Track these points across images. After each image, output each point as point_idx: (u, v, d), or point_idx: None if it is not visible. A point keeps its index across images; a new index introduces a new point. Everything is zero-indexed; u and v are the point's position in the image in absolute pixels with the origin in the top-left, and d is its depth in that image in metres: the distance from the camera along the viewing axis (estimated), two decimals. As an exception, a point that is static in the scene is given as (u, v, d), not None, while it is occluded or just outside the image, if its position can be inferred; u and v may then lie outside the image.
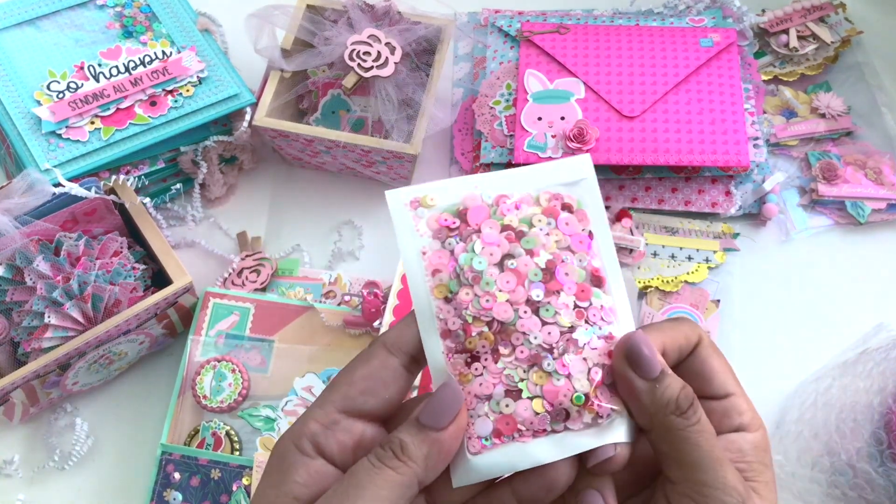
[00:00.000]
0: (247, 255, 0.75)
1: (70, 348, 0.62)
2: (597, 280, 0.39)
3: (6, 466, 0.67)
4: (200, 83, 0.73)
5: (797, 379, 0.69)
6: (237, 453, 0.66)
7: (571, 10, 0.86)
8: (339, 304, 0.72)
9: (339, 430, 0.36)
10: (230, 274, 0.74)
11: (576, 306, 0.38)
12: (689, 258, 0.74)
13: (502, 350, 0.37)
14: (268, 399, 0.68)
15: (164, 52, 0.74)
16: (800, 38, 0.84)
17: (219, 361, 0.68)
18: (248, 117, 0.73)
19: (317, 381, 0.68)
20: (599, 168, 0.75)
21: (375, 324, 0.69)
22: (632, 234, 0.74)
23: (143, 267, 0.67)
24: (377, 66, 0.73)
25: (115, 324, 0.63)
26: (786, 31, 0.84)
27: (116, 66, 0.72)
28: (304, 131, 0.72)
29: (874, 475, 0.59)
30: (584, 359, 0.37)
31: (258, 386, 0.68)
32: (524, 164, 0.72)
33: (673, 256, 0.74)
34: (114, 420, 0.69)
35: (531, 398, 0.36)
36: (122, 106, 0.71)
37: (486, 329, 0.37)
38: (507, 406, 0.36)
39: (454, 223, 0.38)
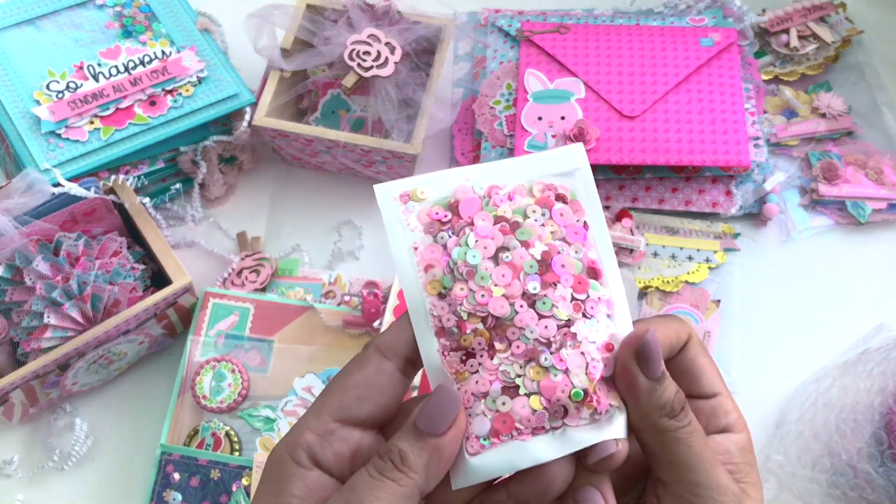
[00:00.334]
0: (246, 255, 0.75)
1: (69, 348, 0.62)
2: (593, 272, 0.38)
3: (6, 467, 0.67)
4: (200, 83, 0.73)
5: (798, 379, 0.69)
6: (237, 454, 0.66)
7: (571, 10, 0.86)
8: (338, 305, 0.72)
9: (335, 439, 0.36)
10: (230, 274, 0.74)
11: (573, 298, 0.37)
12: (690, 258, 0.74)
13: (498, 345, 0.36)
14: (267, 399, 0.68)
15: (163, 52, 0.73)
16: (800, 37, 0.84)
17: (218, 361, 0.68)
18: (247, 117, 0.73)
19: (316, 381, 0.68)
20: (599, 168, 0.75)
21: (375, 324, 0.69)
22: (632, 234, 0.74)
23: (142, 267, 0.67)
24: (377, 66, 0.73)
25: (114, 324, 0.63)
26: (786, 31, 0.84)
27: (116, 66, 0.72)
28: (304, 131, 0.72)
29: (874, 475, 0.59)
30: (583, 353, 0.36)
31: (258, 386, 0.68)
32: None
33: (673, 256, 0.74)
34: (113, 420, 0.69)
35: (528, 395, 0.35)
36: (122, 106, 0.71)
37: (480, 326, 0.36)
38: (503, 404, 0.35)
39: (446, 216, 0.37)
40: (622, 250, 0.74)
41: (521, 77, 0.77)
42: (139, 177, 0.72)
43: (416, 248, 0.37)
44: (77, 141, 0.69)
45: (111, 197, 0.67)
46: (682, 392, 0.36)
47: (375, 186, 0.38)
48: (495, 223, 0.37)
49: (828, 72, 0.84)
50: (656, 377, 0.35)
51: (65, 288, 0.62)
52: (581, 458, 0.36)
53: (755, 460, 0.38)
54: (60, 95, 0.70)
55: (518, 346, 0.36)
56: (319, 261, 0.76)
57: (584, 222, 0.38)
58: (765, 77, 0.82)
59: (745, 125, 0.74)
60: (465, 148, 0.80)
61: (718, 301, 0.73)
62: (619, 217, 0.75)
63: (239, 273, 0.74)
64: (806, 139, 0.80)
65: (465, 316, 0.36)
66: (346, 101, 0.79)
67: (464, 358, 0.36)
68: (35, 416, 0.69)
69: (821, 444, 0.63)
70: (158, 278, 0.68)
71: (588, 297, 0.37)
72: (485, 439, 0.35)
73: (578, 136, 0.73)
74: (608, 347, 0.37)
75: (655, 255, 0.74)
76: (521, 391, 0.35)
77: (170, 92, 0.72)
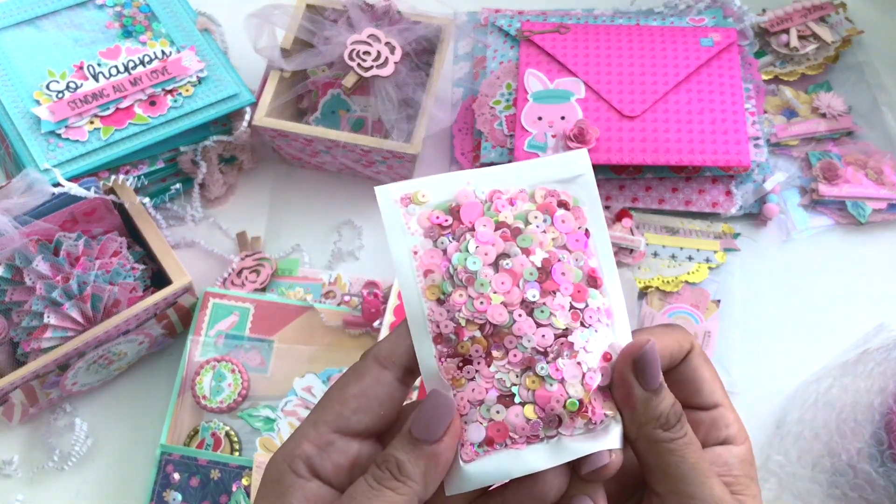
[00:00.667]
0: (246, 255, 0.75)
1: (69, 348, 0.62)
2: (593, 280, 0.37)
3: (5, 467, 0.67)
4: (200, 83, 0.73)
5: (798, 379, 0.69)
6: (237, 454, 0.66)
7: (571, 10, 0.86)
8: (338, 305, 0.72)
9: (334, 451, 0.36)
10: (230, 274, 0.74)
11: (571, 307, 0.36)
12: (690, 258, 0.74)
13: (495, 353, 0.36)
14: (267, 399, 0.68)
15: (163, 52, 0.73)
16: (800, 37, 0.84)
17: (218, 362, 0.68)
18: (247, 117, 0.73)
19: (316, 381, 0.68)
20: (600, 168, 0.75)
21: (375, 324, 0.69)
22: (632, 234, 0.74)
23: (142, 267, 0.67)
24: (377, 66, 0.73)
25: (114, 324, 0.63)
26: (786, 31, 0.84)
27: (116, 66, 0.72)
28: (304, 131, 0.72)
29: (875, 475, 0.59)
30: (579, 363, 0.36)
31: (258, 386, 0.68)
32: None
33: (673, 256, 0.74)
34: (113, 420, 0.69)
35: (523, 404, 0.35)
36: (122, 106, 0.71)
37: (478, 334, 0.36)
38: (497, 412, 0.35)
39: (446, 221, 0.37)
40: (622, 250, 0.74)
41: (521, 77, 0.77)
42: (139, 177, 0.72)
43: (415, 253, 0.37)
44: (77, 141, 0.69)
45: (111, 197, 0.67)
46: (679, 404, 0.36)
47: (376, 188, 0.37)
48: (496, 229, 0.37)
49: (828, 72, 0.84)
50: (653, 388, 0.35)
51: (65, 288, 0.62)
52: (575, 468, 0.36)
53: (755, 473, 0.38)
54: (60, 95, 0.70)
55: (515, 355, 0.36)
56: (319, 261, 0.76)
57: (586, 230, 0.38)
58: (765, 77, 0.82)
59: (745, 125, 0.74)
60: (465, 148, 0.80)
61: (718, 301, 0.73)
62: (619, 217, 0.75)
63: (239, 273, 0.74)
64: (806, 139, 0.80)
65: (462, 323, 0.36)
66: (346, 101, 0.79)
67: (460, 364, 0.36)
68: (35, 416, 0.69)
69: (821, 444, 0.63)
70: (158, 278, 0.68)
71: (587, 305, 0.37)
72: (479, 446, 0.35)
73: (578, 136, 0.73)
74: (606, 357, 0.37)
75: (655, 255, 0.74)
76: (517, 400, 0.35)
77: (170, 92, 0.72)
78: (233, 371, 0.68)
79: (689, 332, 0.39)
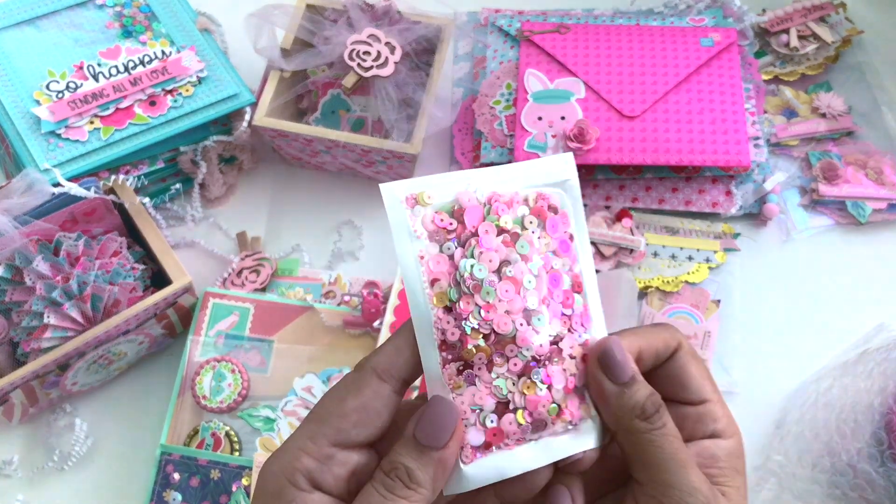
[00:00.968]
0: (246, 255, 0.75)
1: (69, 348, 0.62)
2: (578, 286, 0.39)
3: (5, 467, 0.67)
4: (200, 83, 0.73)
5: (798, 379, 0.69)
6: (237, 454, 0.66)
7: (572, 10, 0.86)
8: (338, 305, 0.72)
9: (334, 463, 0.36)
10: (230, 274, 0.74)
11: (562, 314, 0.38)
12: (690, 258, 0.74)
13: (497, 360, 0.36)
14: (267, 399, 0.68)
15: (163, 52, 0.73)
16: (800, 37, 0.84)
17: (218, 362, 0.68)
18: (247, 117, 0.73)
19: (316, 381, 0.68)
20: (599, 168, 0.75)
21: (375, 324, 0.69)
22: (632, 234, 0.74)
23: (142, 267, 0.67)
24: (377, 66, 0.73)
25: (114, 324, 0.63)
26: (786, 31, 0.84)
27: (116, 66, 0.72)
28: (304, 131, 0.72)
29: (875, 476, 0.59)
30: (564, 369, 0.37)
31: (258, 386, 0.68)
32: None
33: (673, 256, 0.74)
34: (113, 420, 0.69)
35: (515, 410, 0.36)
36: (122, 106, 0.71)
37: (482, 342, 0.36)
38: (492, 420, 0.36)
39: (451, 224, 0.37)
40: (622, 250, 0.74)
41: (521, 77, 0.77)
42: (139, 177, 0.72)
43: (422, 258, 0.37)
44: (77, 141, 0.69)
45: (111, 197, 0.67)
46: (658, 395, 0.37)
47: (382, 186, 0.37)
48: (498, 234, 0.37)
49: (828, 72, 0.84)
50: (623, 381, 0.37)
51: (65, 288, 0.62)
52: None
53: (744, 467, 0.39)
54: (60, 95, 0.70)
55: (515, 364, 0.37)
56: (319, 261, 0.76)
57: (571, 234, 0.39)
58: (765, 77, 0.82)
59: (745, 125, 0.74)
60: (465, 148, 0.80)
61: (718, 301, 0.73)
62: (619, 217, 0.75)
63: (239, 273, 0.74)
64: (806, 139, 0.80)
65: (468, 331, 0.36)
66: (346, 101, 0.79)
67: (461, 368, 0.37)
68: (35, 416, 0.69)
69: (821, 444, 0.63)
70: (158, 278, 0.68)
71: (573, 311, 0.38)
72: (478, 449, 0.36)
73: (578, 136, 0.73)
74: (584, 359, 0.38)
75: (655, 255, 0.74)
76: (511, 405, 0.37)
77: (170, 92, 0.72)
78: (233, 371, 0.68)
79: (678, 331, 0.40)
